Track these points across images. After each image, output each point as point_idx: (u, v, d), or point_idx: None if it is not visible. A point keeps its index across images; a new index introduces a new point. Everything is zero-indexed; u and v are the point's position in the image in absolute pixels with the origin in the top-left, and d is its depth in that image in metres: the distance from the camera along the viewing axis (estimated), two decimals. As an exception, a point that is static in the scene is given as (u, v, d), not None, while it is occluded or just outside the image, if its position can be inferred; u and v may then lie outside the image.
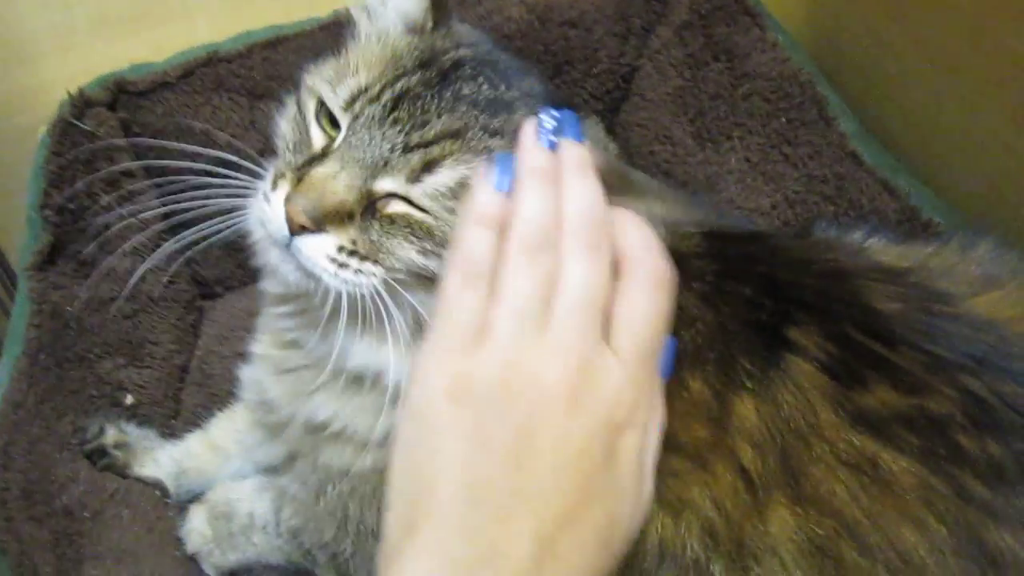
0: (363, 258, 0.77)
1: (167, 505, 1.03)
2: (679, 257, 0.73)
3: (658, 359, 0.68)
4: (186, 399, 1.14)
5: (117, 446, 1.03)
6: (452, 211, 0.77)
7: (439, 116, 0.78)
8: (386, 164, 0.77)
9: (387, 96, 0.79)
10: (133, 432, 1.06)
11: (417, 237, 0.78)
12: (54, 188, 1.02)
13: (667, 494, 0.71)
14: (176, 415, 1.13)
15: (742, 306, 0.76)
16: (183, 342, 1.13)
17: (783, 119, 1.14)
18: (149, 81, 1.10)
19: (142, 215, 1.08)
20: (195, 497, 1.06)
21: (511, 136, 0.74)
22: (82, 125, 1.03)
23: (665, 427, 0.70)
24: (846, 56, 1.23)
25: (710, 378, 0.73)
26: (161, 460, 1.06)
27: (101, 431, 1.03)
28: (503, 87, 0.83)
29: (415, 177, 0.77)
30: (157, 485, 1.04)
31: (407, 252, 0.78)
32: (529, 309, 0.64)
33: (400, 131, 0.77)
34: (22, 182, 1.44)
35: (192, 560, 0.99)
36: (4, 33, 1.36)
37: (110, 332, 1.08)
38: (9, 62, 1.38)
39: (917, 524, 0.67)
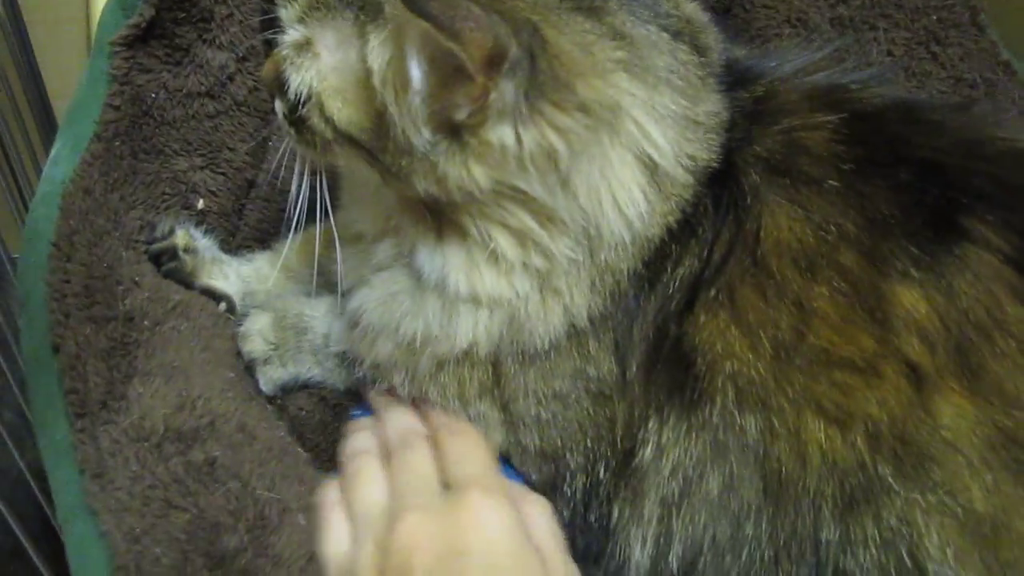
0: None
1: (228, 322, 0.90)
2: (804, 150, 0.70)
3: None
4: (248, 215, 1.00)
5: (187, 250, 0.90)
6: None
7: None
8: None
9: None
10: (200, 239, 0.92)
11: None
12: None
13: (834, 411, 0.66)
14: (236, 231, 1.00)
15: (899, 193, 0.67)
16: (256, 154, 0.98)
17: (934, 17, 1.04)
18: None
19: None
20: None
21: None
22: None
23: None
24: None
25: (863, 274, 0.66)
26: (229, 275, 0.93)
27: (171, 231, 0.90)
28: None
29: None
30: (224, 298, 0.91)
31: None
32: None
33: None
34: None
35: (244, 380, 0.87)
36: None
37: (190, 129, 0.94)
38: None
39: None
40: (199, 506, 0.70)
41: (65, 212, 0.82)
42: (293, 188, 0.73)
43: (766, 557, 0.67)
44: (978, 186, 0.67)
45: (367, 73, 0.62)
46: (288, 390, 0.90)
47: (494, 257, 0.68)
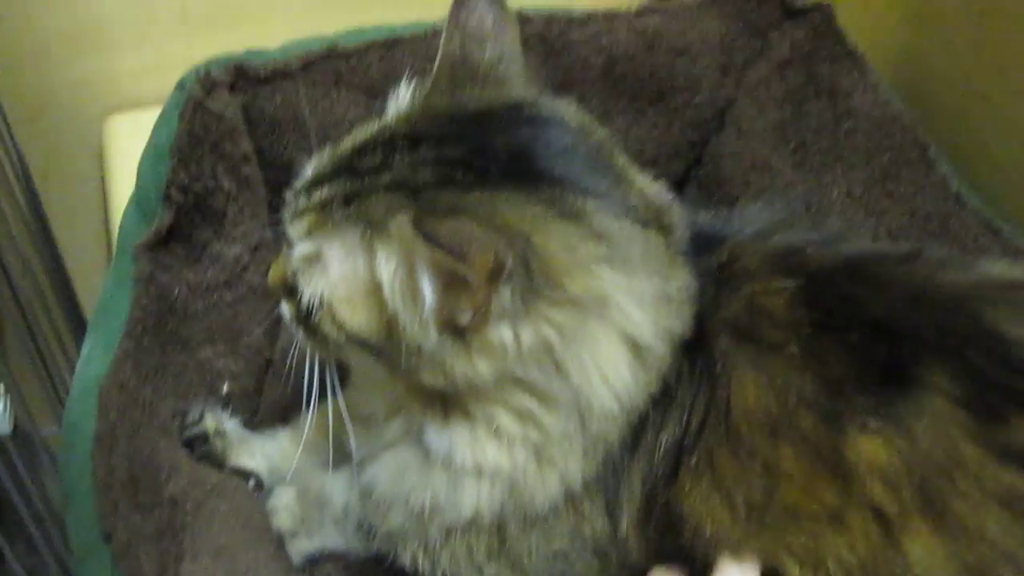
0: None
1: (259, 499, 0.96)
2: (766, 315, 0.75)
3: None
4: (266, 392, 1.07)
5: (217, 433, 0.96)
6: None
7: None
8: None
9: None
10: (227, 422, 0.99)
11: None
12: (182, 168, 0.95)
13: (804, 554, 0.71)
14: (257, 410, 1.06)
15: (851, 354, 0.72)
16: (271, 335, 1.05)
17: (885, 157, 1.11)
18: (269, 68, 1.04)
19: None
20: (282, 482, 1.00)
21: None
22: (211, 105, 0.96)
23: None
24: (937, 105, 1.21)
25: (820, 436, 0.71)
26: (256, 453, 0.99)
27: (201, 416, 0.96)
28: None
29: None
30: (253, 476, 0.97)
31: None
32: None
33: None
34: (82, 168, 1.47)
35: (281, 552, 0.92)
36: (79, 20, 1.35)
37: (212, 319, 1.01)
38: (81, 49, 1.38)
39: None
40: None
41: (103, 408, 0.89)
42: (306, 377, 0.80)
43: None
44: (926, 338, 0.72)
45: (376, 284, 0.69)
46: (316, 561, 0.95)
47: (497, 433, 0.75)
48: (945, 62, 1.21)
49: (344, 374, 0.86)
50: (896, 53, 1.25)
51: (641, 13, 1.20)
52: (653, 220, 0.77)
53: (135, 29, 1.39)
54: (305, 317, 0.75)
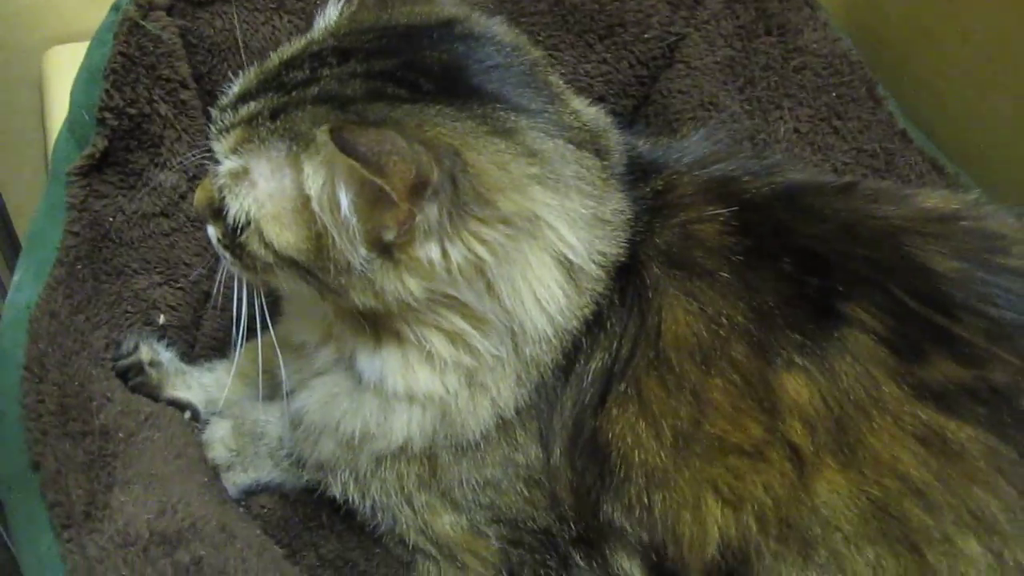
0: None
1: (195, 430, 0.96)
2: (698, 242, 0.77)
3: None
4: (205, 325, 1.06)
5: (152, 364, 0.96)
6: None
7: None
8: None
9: None
10: (163, 353, 0.99)
11: None
12: (116, 91, 0.94)
13: (726, 491, 0.72)
14: (195, 342, 1.06)
15: (782, 283, 0.74)
16: (211, 268, 1.03)
17: (833, 94, 1.13)
18: None
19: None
20: (218, 413, 1.01)
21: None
22: (149, 26, 0.94)
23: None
24: (885, 44, 1.22)
25: (751, 365, 0.73)
26: (192, 385, 0.99)
27: (136, 347, 0.96)
28: None
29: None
30: (189, 407, 0.97)
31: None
32: None
33: None
34: (22, 99, 1.43)
35: (216, 483, 0.93)
36: None
37: (148, 248, 1.00)
38: None
39: (987, 486, 0.67)
40: None
41: (33, 336, 0.89)
42: (234, 307, 0.80)
43: None
44: (854, 270, 0.74)
45: (305, 199, 0.69)
46: (252, 493, 0.96)
47: (429, 357, 0.75)
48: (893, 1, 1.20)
49: (276, 306, 0.86)
50: None
51: None
52: (588, 142, 0.78)
53: None
54: (233, 237, 0.75)
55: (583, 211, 0.74)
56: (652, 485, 0.73)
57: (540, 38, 1.17)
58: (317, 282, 0.73)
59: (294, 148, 0.69)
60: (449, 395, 0.77)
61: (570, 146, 0.75)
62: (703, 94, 1.15)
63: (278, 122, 0.70)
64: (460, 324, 0.73)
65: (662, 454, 0.73)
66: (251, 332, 0.87)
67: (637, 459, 0.74)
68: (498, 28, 0.80)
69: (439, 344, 0.74)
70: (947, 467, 0.68)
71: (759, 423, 0.71)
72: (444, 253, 0.68)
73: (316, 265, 0.71)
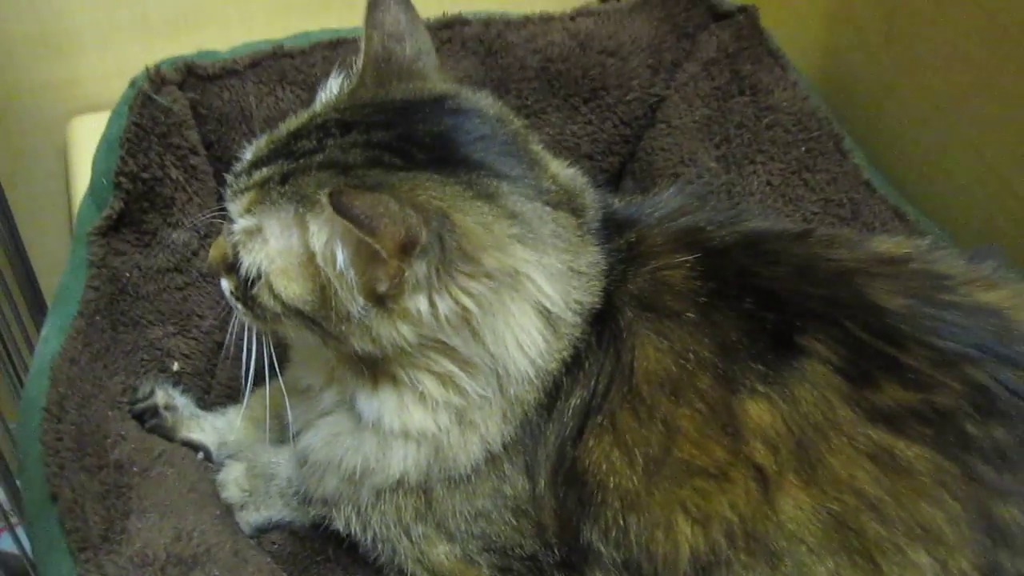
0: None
1: (208, 468, 1.02)
2: (667, 287, 0.83)
3: None
4: (219, 373, 1.13)
5: (167, 408, 1.03)
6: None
7: None
8: None
9: None
10: (178, 398, 1.05)
11: None
12: (131, 157, 1.01)
13: (694, 511, 0.78)
14: (210, 389, 1.13)
15: (744, 320, 0.82)
16: (223, 319, 1.09)
17: (803, 148, 1.20)
18: (218, 67, 1.11)
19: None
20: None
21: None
22: (160, 99, 1.02)
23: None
24: (855, 101, 1.30)
25: (716, 395, 0.79)
26: (205, 428, 1.06)
27: (152, 392, 1.03)
28: None
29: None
30: (202, 448, 1.04)
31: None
32: None
33: None
34: (47, 167, 1.54)
35: (228, 516, 0.98)
36: (45, 25, 1.42)
37: (162, 301, 1.07)
38: (47, 54, 1.45)
39: (934, 501, 0.73)
40: None
41: (54, 381, 0.96)
42: (244, 355, 0.87)
43: None
44: (810, 307, 0.80)
45: (310, 255, 0.76)
46: (264, 530, 1.03)
47: (422, 398, 0.82)
48: (860, 58, 1.30)
49: (283, 354, 0.93)
50: (817, 51, 1.35)
51: (575, 16, 1.29)
52: (565, 202, 0.85)
53: (98, 34, 1.46)
54: (245, 290, 0.82)
55: (560, 265, 0.81)
56: (626, 508, 0.79)
57: (528, 103, 1.26)
58: (321, 330, 0.80)
59: (300, 209, 0.77)
60: (441, 432, 0.83)
61: (547, 208, 0.82)
62: (683, 151, 1.23)
63: (287, 186, 0.78)
64: (449, 367, 0.80)
65: (635, 479, 0.79)
66: (260, 378, 0.95)
67: (612, 484, 0.80)
68: (484, 102, 0.88)
69: (431, 385, 0.81)
70: (897, 483, 0.74)
71: (723, 447, 0.77)
72: (432, 304, 0.74)
73: (320, 314, 0.78)
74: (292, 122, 0.87)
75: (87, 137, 1.29)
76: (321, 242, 0.75)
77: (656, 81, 1.29)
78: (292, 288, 0.79)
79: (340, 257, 0.73)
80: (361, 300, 0.75)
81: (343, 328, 0.78)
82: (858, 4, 1.29)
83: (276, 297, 0.79)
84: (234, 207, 0.82)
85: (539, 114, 1.26)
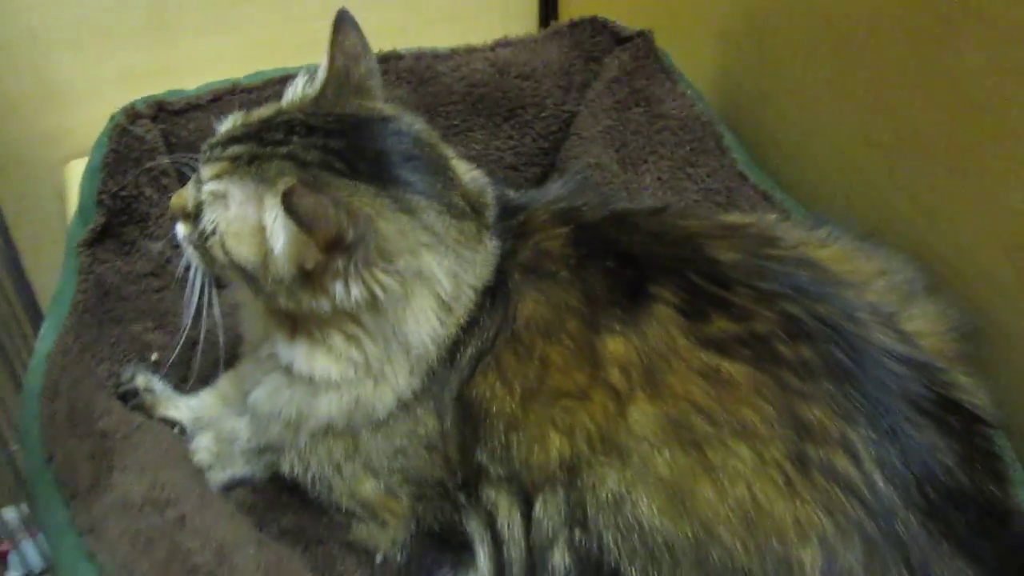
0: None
1: (180, 440, 1.17)
2: (546, 254, 1.00)
3: None
4: (194, 364, 1.26)
5: (147, 390, 1.18)
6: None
7: None
8: None
9: None
10: (156, 383, 1.20)
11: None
12: (110, 179, 1.19)
13: (562, 425, 0.93)
14: (187, 377, 1.26)
15: (606, 277, 0.96)
16: (196, 318, 1.23)
17: (687, 148, 1.37)
18: (184, 102, 1.29)
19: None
20: (201, 429, 1.21)
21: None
22: (134, 130, 1.20)
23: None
24: (741, 106, 1.47)
25: (581, 334, 0.94)
26: (180, 407, 1.21)
27: (133, 377, 1.18)
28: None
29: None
30: (177, 424, 1.19)
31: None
32: None
33: None
34: (47, 207, 1.70)
35: (198, 475, 1.13)
36: (42, 81, 1.60)
37: (142, 301, 1.23)
38: (44, 107, 1.62)
39: (751, 405, 0.87)
40: (174, 540, 0.95)
41: (49, 368, 1.11)
42: (190, 283, 1.03)
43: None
44: (660, 263, 0.96)
45: (261, 227, 0.92)
46: (229, 488, 1.17)
47: (329, 350, 0.98)
48: (741, 71, 1.47)
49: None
50: (709, 66, 1.52)
51: (495, 47, 1.47)
52: (470, 211, 1.02)
53: (88, 88, 1.63)
54: (200, 239, 0.98)
55: (456, 266, 0.98)
56: (508, 429, 0.95)
57: (456, 123, 1.43)
58: (255, 285, 0.96)
59: (260, 188, 0.93)
60: (353, 383, 0.99)
61: (454, 220, 0.98)
62: (591, 157, 1.40)
63: (253, 166, 0.94)
64: (355, 331, 0.96)
65: (514, 404, 0.94)
66: (228, 364, 1.15)
67: (496, 410, 0.95)
68: (418, 126, 1.04)
69: (338, 341, 0.97)
70: (723, 393, 0.88)
71: (586, 374, 0.92)
72: (348, 288, 0.91)
73: (258, 273, 0.94)
74: (263, 111, 1.03)
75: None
76: (271, 220, 0.90)
77: (567, 99, 1.46)
78: (240, 249, 0.94)
79: (282, 236, 0.89)
80: (292, 271, 0.91)
81: (274, 288, 0.93)
82: (739, 27, 1.45)
83: (227, 253, 0.95)
84: (206, 171, 0.97)
85: (466, 132, 1.43)
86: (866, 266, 1.02)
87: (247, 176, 0.94)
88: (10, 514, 1.28)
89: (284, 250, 0.90)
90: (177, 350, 1.25)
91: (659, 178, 1.36)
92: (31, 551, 1.64)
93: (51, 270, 1.60)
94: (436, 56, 1.43)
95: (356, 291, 0.91)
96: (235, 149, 0.97)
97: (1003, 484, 0.93)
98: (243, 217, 0.94)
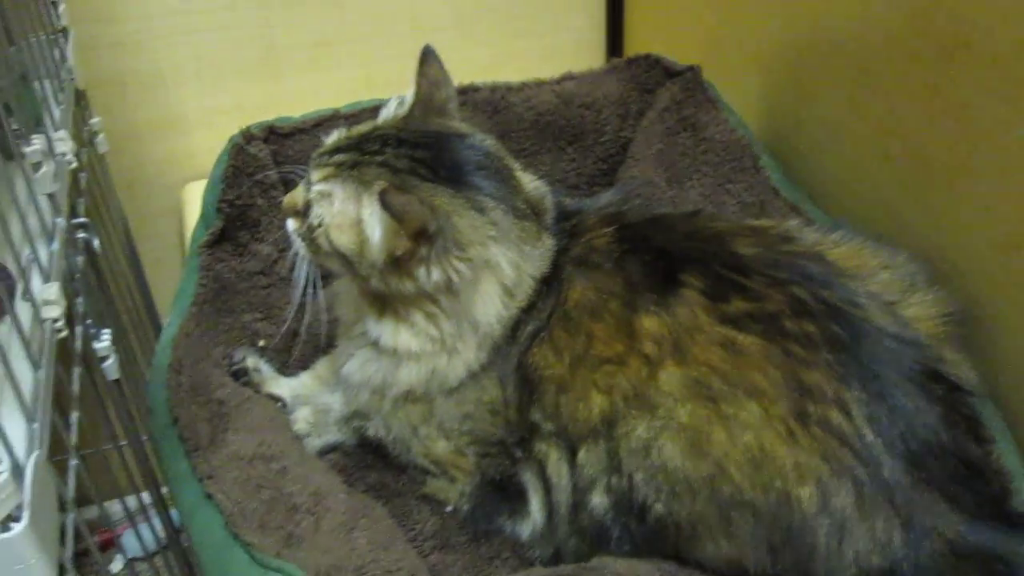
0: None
1: (282, 412, 1.31)
2: (595, 250, 1.14)
3: None
4: (295, 351, 1.43)
5: (255, 370, 1.33)
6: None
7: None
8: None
9: None
10: (263, 365, 1.35)
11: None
12: (228, 190, 1.36)
13: (603, 386, 1.06)
14: (288, 363, 1.42)
15: (644, 266, 1.09)
16: (299, 311, 1.29)
17: (727, 167, 1.52)
18: (291, 127, 1.46)
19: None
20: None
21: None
22: (249, 149, 1.37)
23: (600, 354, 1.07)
24: (779, 132, 1.62)
25: (623, 314, 1.07)
26: (283, 386, 1.35)
27: (243, 358, 1.33)
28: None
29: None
30: (280, 399, 1.33)
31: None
32: None
33: None
34: (166, 225, 1.91)
35: (298, 440, 1.27)
36: (164, 111, 1.81)
37: (252, 296, 1.39)
38: (165, 134, 1.83)
39: (761, 370, 0.99)
40: (278, 486, 1.11)
41: (175, 348, 1.28)
42: (297, 272, 1.19)
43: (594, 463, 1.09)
44: (690, 256, 1.10)
45: (359, 220, 1.08)
46: (324, 453, 1.31)
47: (411, 326, 1.13)
48: (778, 99, 1.62)
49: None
50: (752, 95, 1.67)
51: (560, 81, 1.64)
52: (531, 213, 1.17)
53: (204, 118, 1.84)
54: (308, 231, 1.14)
55: (519, 258, 1.12)
56: (559, 391, 1.10)
57: (526, 147, 1.59)
58: (352, 269, 1.11)
59: (360, 188, 1.08)
60: (431, 356, 1.13)
61: (516, 219, 1.13)
62: (644, 176, 1.55)
63: (354, 172, 1.10)
64: (434, 310, 1.11)
65: (563, 370, 1.09)
66: (325, 351, 1.32)
67: (548, 375, 1.10)
68: (490, 143, 1.19)
69: (419, 319, 1.12)
70: (737, 360, 1.00)
71: (624, 345, 1.06)
72: (429, 272, 1.06)
73: (355, 259, 1.10)
74: (362, 127, 1.19)
75: (197, 199, 1.55)
76: (367, 214, 1.06)
77: (624, 126, 1.62)
78: (342, 239, 1.09)
79: (377, 227, 1.05)
80: (383, 257, 1.06)
81: (367, 272, 1.09)
82: (776, 62, 1.61)
83: (330, 242, 1.10)
84: (315, 175, 1.13)
85: (534, 155, 1.59)
86: (871, 261, 1.14)
87: (349, 179, 1.10)
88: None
89: (379, 239, 1.06)
90: (280, 338, 1.42)
91: (702, 193, 1.51)
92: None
93: (167, 280, 1.93)
94: (509, 88, 1.60)
95: (436, 275, 1.06)
96: (339, 157, 1.13)
97: (982, 444, 1.06)
98: (345, 212, 1.10)
